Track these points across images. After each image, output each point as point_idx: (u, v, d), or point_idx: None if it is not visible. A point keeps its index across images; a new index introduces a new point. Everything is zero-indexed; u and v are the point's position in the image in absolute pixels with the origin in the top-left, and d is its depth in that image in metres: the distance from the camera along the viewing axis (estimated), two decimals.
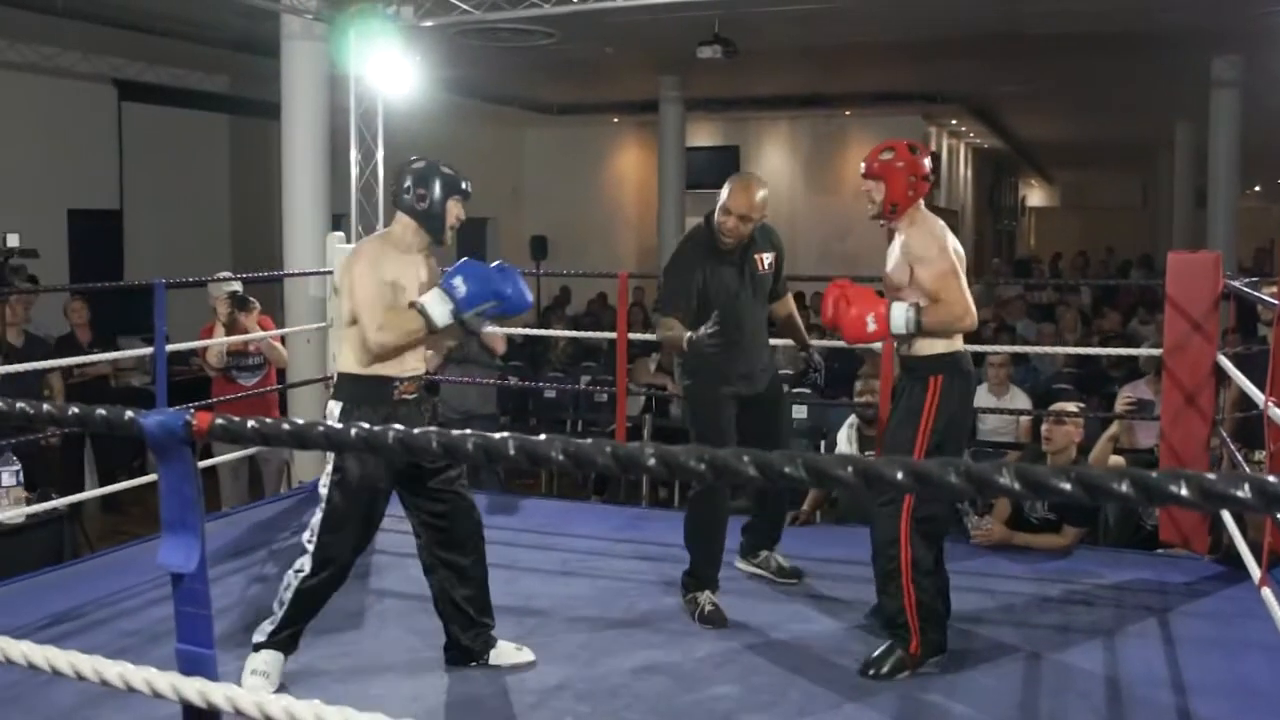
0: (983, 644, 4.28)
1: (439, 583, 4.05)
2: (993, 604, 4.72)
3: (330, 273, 6.77)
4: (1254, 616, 4.41)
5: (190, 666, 1.57)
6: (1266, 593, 4.42)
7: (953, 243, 4.11)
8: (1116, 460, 6.11)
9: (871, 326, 4.05)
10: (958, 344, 4.14)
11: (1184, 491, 0.99)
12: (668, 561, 5.25)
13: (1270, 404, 4.33)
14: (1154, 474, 1.02)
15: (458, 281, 3.88)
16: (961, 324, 4.04)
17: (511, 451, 1.25)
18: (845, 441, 6.51)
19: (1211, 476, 1.01)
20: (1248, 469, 5.03)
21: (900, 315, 4.02)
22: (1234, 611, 4.60)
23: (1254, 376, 4.82)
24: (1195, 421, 5.34)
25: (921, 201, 4.14)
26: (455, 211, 4.02)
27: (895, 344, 4.35)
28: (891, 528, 4.04)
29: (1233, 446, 5.20)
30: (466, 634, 4.04)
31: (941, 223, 4.18)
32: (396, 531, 5.77)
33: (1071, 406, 5.89)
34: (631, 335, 7.13)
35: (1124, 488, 1.00)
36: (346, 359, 3.94)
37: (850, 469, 1.11)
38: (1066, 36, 11.84)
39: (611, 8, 6.88)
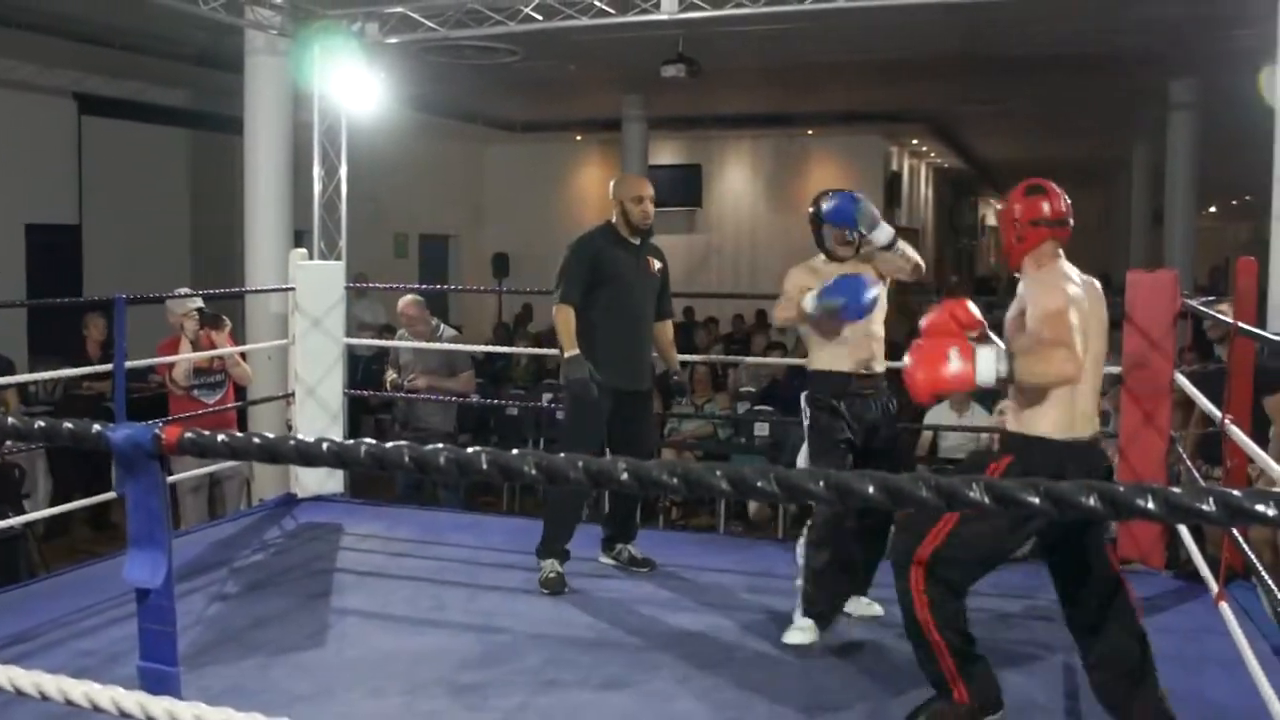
0: None
1: (864, 551, 4.65)
2: None
3: (292, 289, 6.73)
4: (1211, 631, 4.45)
5: (154, 685, 1.56)
6: (1224, 607, 4.46)
7: (1076, 293, 3.50)
8: None
9: (955, 365, 3.38)
10: (1043, 428, 3.47)
11: (1150, 505, 1.00)
12: (631, 579, 5.27)
13: (1227, 421, 4.38)
14: (1120, 487, 1.04)
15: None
16: (1064, 372, 3.37)
17: (485, 466, 1.25)
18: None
19: (1177, 490, 1.03)
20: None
21: (990, 358, 3.40)
22: (1192, 626, 4.64)
23: (1212, 394, 4.88)
24: (1153, 439, 5.39)
25: (1049, 248, 3.63)
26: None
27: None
28: (903, 568, 3.58)
29: (1191, 464, 5.25)
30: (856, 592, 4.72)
31: (1069, 275, 3.58)
32: (357, 550, 5.77)
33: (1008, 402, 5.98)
34: None
35: (1091, 501, 1.01)
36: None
37: (821, 484, 1.12)
38: (1027, 58, 11.97)
39: (575, 26, 6.89)
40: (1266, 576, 4.17)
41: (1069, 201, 3.65)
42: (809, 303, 4.47)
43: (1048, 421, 3.45)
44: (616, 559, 5.47)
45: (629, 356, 5.23)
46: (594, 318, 5.16)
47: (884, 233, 4.47)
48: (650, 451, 5.68)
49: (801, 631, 4.50)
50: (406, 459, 1.31)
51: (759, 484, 1.14)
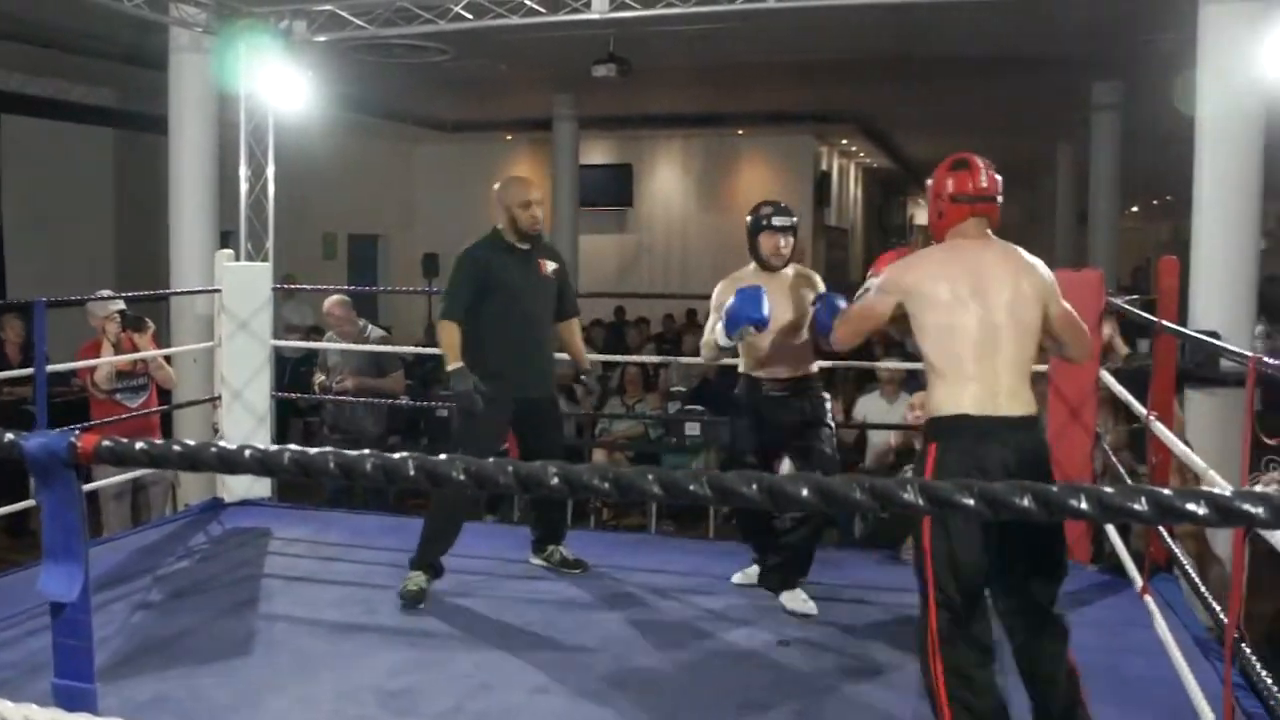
0: (880, 656, 4.32)
1: (797, 532, 4.81)
2: (888, 617, 4.77)
3: (218, 291, 6.63)
4: (1136, 624, 4.51)
5: (70, 702, 1.51)
6: (1148, 600, 4.53)
7: (915, 276, 3.48)
8: None
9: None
10: (963, 405, 3.35)
11: (1084, 505, 1.00)
12: (563, 580, 5.24)
13: (1152, 418, 4.45)
14: (1054, 488, 1.03)
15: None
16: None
17: (412, 472, 1.23)
18: None
19: (1109, 490, 1.03)
20: (1130, 481, 5.16)
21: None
22: (1117, 619, 4.70)
23: (1135, 392, 4.95)
24: (1079, 435, 5.46)
25: (973, 225, 3.53)
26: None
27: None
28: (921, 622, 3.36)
29: (1115, 459, 5.33)
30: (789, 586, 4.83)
31: (945, 252, 3.54)
32: (285, 555, 5.69)
33: (919, 397, 6.12)
34: None
35: (1026, 502, 1.01)
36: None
37: (754, 487, 1.10)
38: (954, 59, 12.09)
39: (506, 25, 6.85)
40: (1190, 569, 4.24)
41: (997, 177, 3.56)
42: (721, 338, 4.70)
43: (951, 400, 3.35)
44: (548, 561, 5.44)
45: (525, 365, 5.12)
46: (486, 329, 5.04)
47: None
48: (560, 456, 5.57)
49: (744, 574, 5.16)
50: (332, 465, 1.28)
51: (691, 487, 1.13)
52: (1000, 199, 3.56)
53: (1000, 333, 3.36)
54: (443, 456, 1.28)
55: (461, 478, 1.23)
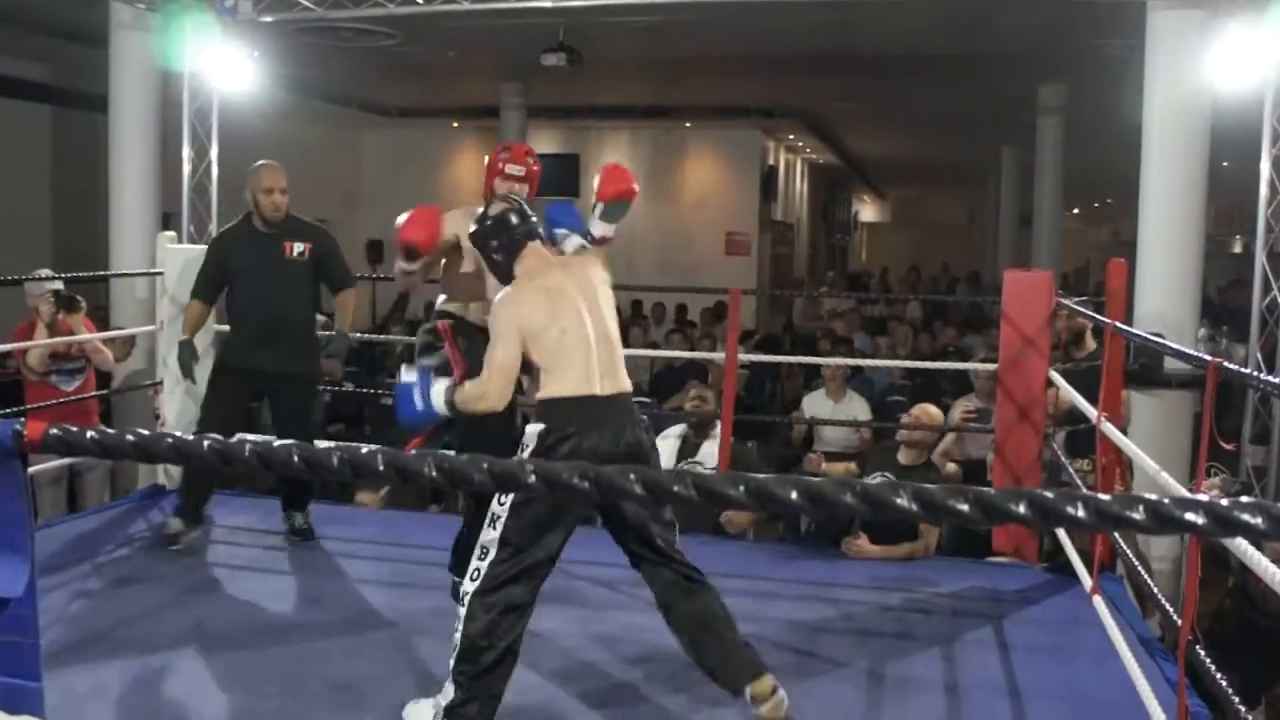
0: (825, 653, 4.32)
1: None
2: (834, 614, 4.78)
3: (160, 273, 6.50)
4: (1084, 623, 4.54)
5: (14, 703, 1.45)
6: (1097, 600, 4.56)
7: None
8: (953, 469, 6.30)
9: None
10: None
11: (1022, 510, 0.99)
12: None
13: (1102, 419, 4.47)
14: (993, 492, 1.02)
15: None
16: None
17: (381, 467, 1.18)
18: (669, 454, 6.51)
19: (1049, 494, 1.02)
20: (1077, 479, 5.20)
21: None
22: (1065, 619, 4.73)
23: (1082, 391, 4.99)
24: (1028, 434, 5.50)
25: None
26: None
27: None
28: None
29: (1064, 458, 5.37)
30: None
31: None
32: (228, 544, 5.59)
33: (933, 408, 6.02)
34: None
35: (963, 506, 0.99)
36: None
37: (743, 488, 1.07)
38: (900, 58, 12.13)
39: (455, 10, 6.77)
40: (1138, 565, 4.27)
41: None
42: None
43: None
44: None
45: (268, 341, 5.39)
46: (235, 307, 5.51)
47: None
48: (306, 433, 5.49)
49: None
50: (295, 459, 1.23)
51: (676, 489, 1.10)
52: None
53: None
54: (411, 453, 1.24)
55: (382, 469, 1.19)
